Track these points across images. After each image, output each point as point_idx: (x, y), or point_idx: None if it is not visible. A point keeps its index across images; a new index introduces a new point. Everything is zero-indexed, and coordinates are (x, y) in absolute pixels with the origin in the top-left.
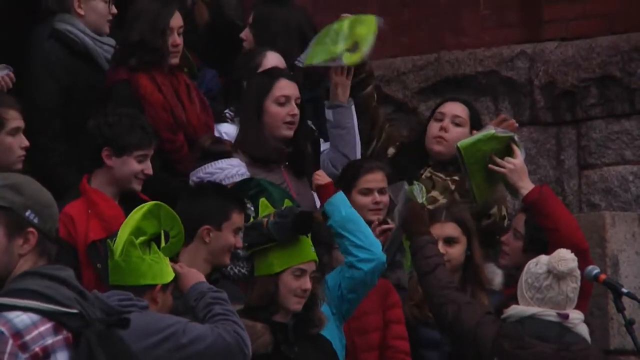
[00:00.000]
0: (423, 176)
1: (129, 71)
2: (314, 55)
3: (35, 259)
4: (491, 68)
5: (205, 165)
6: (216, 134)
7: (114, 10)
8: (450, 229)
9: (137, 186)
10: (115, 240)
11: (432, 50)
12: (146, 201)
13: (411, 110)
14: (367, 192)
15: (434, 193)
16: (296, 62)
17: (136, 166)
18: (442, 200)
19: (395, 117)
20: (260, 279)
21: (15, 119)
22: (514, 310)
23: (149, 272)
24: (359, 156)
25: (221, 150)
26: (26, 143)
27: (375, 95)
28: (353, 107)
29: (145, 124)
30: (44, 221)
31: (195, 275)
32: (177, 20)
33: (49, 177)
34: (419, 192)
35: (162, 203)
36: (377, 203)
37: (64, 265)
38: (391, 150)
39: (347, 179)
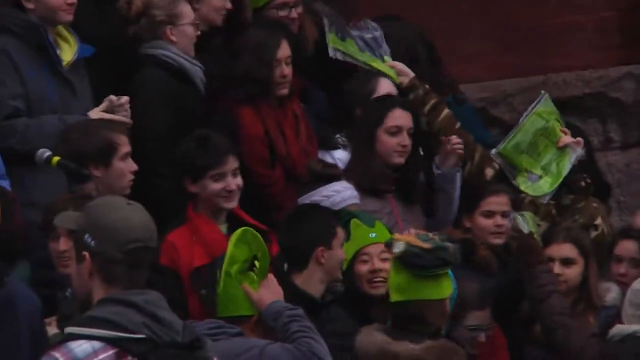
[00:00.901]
0: (525, 201)
1: (234, 102)
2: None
3: (105, 285)
4: (598, 89)
5: (320, 189)
6: (329, 160)
7: (198, 32)
8: (568, 250)
9: (226, 204)
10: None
11: (539, 72)
12: (253, 224)
13: None
14: (490, 214)
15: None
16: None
17: (214, 186)
18: (544, 225)
19: (501, 138)
20: (434, 302)
21: (125, 144)
22: (617, 329)
23: (245, 303)
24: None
25: (332, 173)
26: (135, 167)
27: (455, 119)
28: (458, 175)
29: (211, 143)
30: (102, 245)
31: (270, 295)
32: (284, 51)
33: (159, 203)
34: (524, 223)
35: (248, 228)
36: (498, 226)
37: (147, 290)
38: (490, 172)
39: (470, 200)
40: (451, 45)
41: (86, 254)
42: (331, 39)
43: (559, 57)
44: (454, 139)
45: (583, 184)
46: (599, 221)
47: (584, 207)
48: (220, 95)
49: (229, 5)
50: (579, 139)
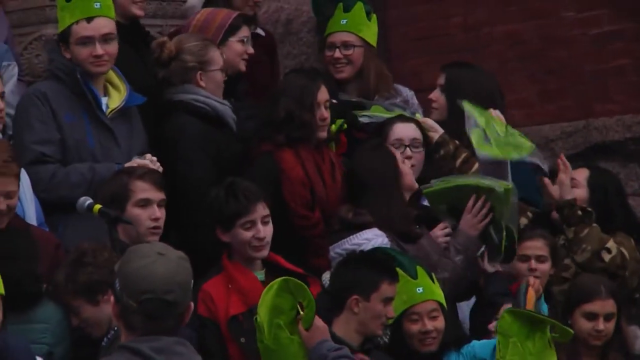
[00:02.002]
0: (559, 243)
1: (274, 146)
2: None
3: (125, 330)
4: (639, 134)
5: (350, 237)
6: None
7: (225, 77)
8: (610, 306)
9: (257, 254)
10: (257, 319)
11: (580, 117)
12: (290, 269)
13: None
14: (525, 258)
15: (567, 261)
16: None
17: (245, 235)
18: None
19: None
20: None
21: (143, 191)
22: None
23: (300, 352)
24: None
25: (363, 221)
26: (157, 214)
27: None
28: None
29: (240, 191)
30: (123, 291)
31: (318, 334)
32: (323, 94)
33: (200, 252)
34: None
35: (289, 277)
36: (532, 270)
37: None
38: (523, 220)
39: None
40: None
41: (112, 297)
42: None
43: (599, 102)
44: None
45: (580, 212)
46: (610, 244)
47: (589, 234)
48: (258, 139)
49: (250, 50)
50: None
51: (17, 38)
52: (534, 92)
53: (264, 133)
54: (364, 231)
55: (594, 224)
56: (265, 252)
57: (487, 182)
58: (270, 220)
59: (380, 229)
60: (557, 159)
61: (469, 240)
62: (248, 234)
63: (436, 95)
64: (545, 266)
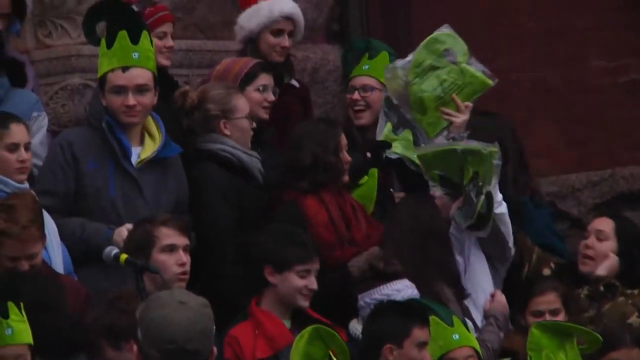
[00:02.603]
0: (582, 295)
1: (297, 192)
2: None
3: None
4: None
5: (380, 287)
6: None
7: (253, 125)
8: (636, 354)
9: (303, 302)
10: None
11: (607, 165)
12: (317, 319)
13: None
14: (539, 314)
15: (591, 312)
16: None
17: (298, 282)
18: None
19: (570, 233)
20: None
21: (168, 237)
22: None
23: None
24: None
25: (394, 271)
26: (183, 260)
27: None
28: None
29: (304, 240)
30: (144, 340)
31: None
32: (344, 139)
33: (222, 299)
34: None
35: (319, 325)
36: None
37: None
38: (546, 271)
39: (518, 300)
40: (519, 140)
41: (135, 345)
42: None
43: (626, 151)
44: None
45: (602, 288)
46: (633, 319)
47: (611, 309)
48: (280, 187)
49: (271, 98)
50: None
51: (43, 88)
52: (560, 140)
53: (286, 181)
54: (394, 282)
55: (620, 298)
56: (307, 303)
57: (473, 146)
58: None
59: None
60: (582, 207)
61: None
62: (301, 282)
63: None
64: (559, 318)
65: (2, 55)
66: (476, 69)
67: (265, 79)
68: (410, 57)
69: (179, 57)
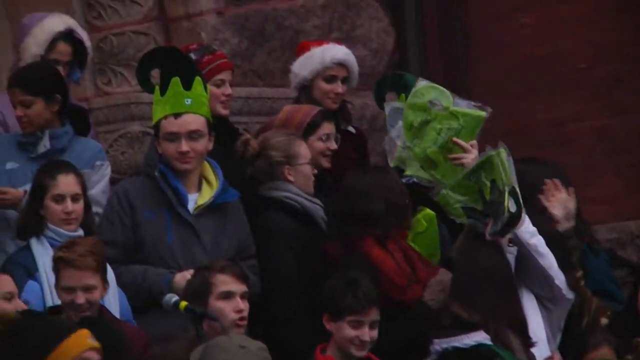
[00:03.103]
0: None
1: (364, 241)
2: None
3: None
4: None
5: (461, 337)
6: None
7: (315, 171)
8: None
9: (356, 352)
10: None
11: None
12: None
13: None
14: None
15: None
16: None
17: (350, 332)
18: None
19: (629, 280)
20: None
21: (225, 283)
22: None
23: None
24: None
25: (475, 322)
26: (241, 306)
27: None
28: None
29: (359, 290)
30: None
31: None
32: None
33: (285, 347)
34: None
35: None
36: None
37: None
38: (604, 321)
39: (573, 355)
40: (578, 187)
41: None
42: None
43: None
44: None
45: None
46: None
47: None
48: (346, 235)
49: (333, 147)
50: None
51: (103, 135)
52: (619, 187)
53: (354, 230)
54: (474, 333)
55: None
56: (363, 353)
57: (481, 157)
58: (377, 326)
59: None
60: None
61: None
62: (353, 332)
63: None
64: None
65: (66, 102)
66: (465, 107)
67: (327, 127)
68: (400, 124)
69: (238, 104)
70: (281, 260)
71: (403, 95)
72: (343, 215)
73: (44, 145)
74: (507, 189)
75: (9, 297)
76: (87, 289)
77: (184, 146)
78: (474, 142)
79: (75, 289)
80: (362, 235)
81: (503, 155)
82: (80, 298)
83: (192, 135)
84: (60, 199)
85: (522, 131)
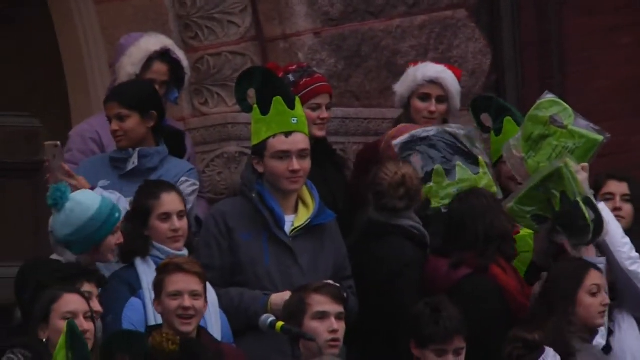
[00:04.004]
0: None
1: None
2: None
3: None
4: None
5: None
6: None
7: None
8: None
9: None
10: None
11: None
12: None
13: None
14: None
15: None
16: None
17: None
18: None
19: None
20: None
21: (320, 304)
22: None
23: None
24: None
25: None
26: (335, 327)
27: None
28: None
29: (443, 319)
30: None
31: None
32: None
33: None
34: None
35: None
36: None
37: None
38: None
39: None
40: None
41: None
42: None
43: None
44: None
45: None
46: None
47: None
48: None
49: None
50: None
51: (200, 155)
52: None
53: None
54: (546, 352)
55: None
56: None
57: (547, 169)
58: (464, 353)
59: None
60: None
61: None
62: None
63: (620, 204)
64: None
65: (162, 120)
66: (584, 128)
67: None
68: (519, 134)
69: (335, 125)
70: (404, 290)
71: (509, 117)
72: (467, 239)
73: (133, 162)
74: (580, 198)
75: (164, 218)
76: (194, 295)
77: (296, 164)
78: (586, 164)
79: (183, 294)
80: (493, 258)
81: (571, 166)
82: (188, 301)
83: (302, 154)
84: (166, 217)
85: (619, 152)
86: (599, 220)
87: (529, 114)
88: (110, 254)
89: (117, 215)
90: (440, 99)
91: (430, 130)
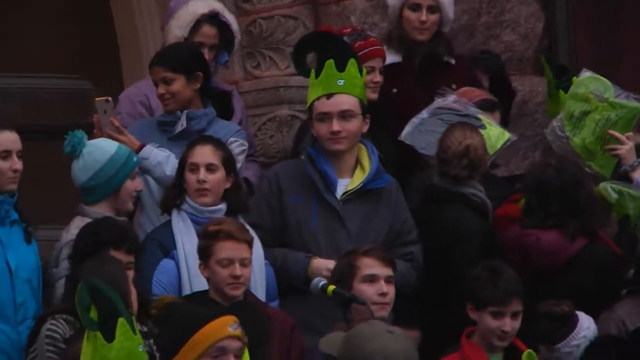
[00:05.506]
0: None
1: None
2: None
3: None
4: None
5: (576, 331)
6: None
7: None
8: None
9: (498, 343)
10: None
11: None
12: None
13: None
14: None
15: None
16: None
17: (492, 322)
18: None
19: None
20: None
21: (370, 267)
22: None
23: None
24: None
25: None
26: (384, 290)
27: None
28: None
29: (501, 281)
30: None
31: None
32: None
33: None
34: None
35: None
36: None
37: None
38: None
39: None
40: None
41: None
42: None
43: None
44: None
45: None
46: None
47: None
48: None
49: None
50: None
51: (252, 119)
52: None
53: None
54: (582, 319)
55: None
56: (504, 344)
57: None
58: (520, 316)
59: None
60: None
61: None
62: (494, 323)
63: None
64: None
65: (209, 86)
66: (623, 98)
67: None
68: (561, 115)
69: None
70: (464, 249)
71: (561, 91)
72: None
73: (181, 124)
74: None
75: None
76: (244, 263)
77: (335, 126)
78: (630, 133)
79: (234, 261)
80: (599, 225)
81: None
82: (239, 270)
83: (344, 115)
84: (194, 168)
85: None
86: None
87: (569, 92)
88: (131, 202)
89: (134, 159)
90: (432, 9)
91: (423, 114)
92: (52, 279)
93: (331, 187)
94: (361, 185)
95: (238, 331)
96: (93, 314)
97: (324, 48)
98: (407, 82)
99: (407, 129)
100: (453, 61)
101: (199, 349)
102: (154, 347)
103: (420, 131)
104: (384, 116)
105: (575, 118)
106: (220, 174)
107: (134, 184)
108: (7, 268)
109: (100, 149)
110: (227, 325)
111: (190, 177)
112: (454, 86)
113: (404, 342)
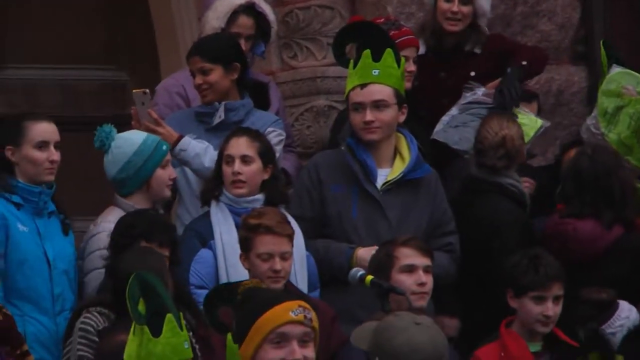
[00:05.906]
0: None
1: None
2: None
3: None
4: None
5: (617, 314)
6: None
7: None
8: None
9: (541, 328)
10: None
11: None
12: (564, 339)
13: None
14: None
15: None
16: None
17: (534, 308)
18: None
19: None
20: None
21: (408, 257)
22: None
23: None
24: None
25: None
26: (423, 280)
27: None
28: None
29: (541, 265)
30: None
31: None
32: None
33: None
34: None
35: None
36: None
37: None
38: None
39: None
40: None
41: None
42: None
43: None
44: None
45: None
46: None
47: None
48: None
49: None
50: None
51: (289, 109)
52: None
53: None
54: (622, 306)
55: None
56: (547, 329)
57: None
58: (561, 301)
59: None
60: None
61: None
62: (537, 309)
63: None
64: None
65: (246, 77)
66: None
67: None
68: (595, 112)
69: None
70: (505, 241)
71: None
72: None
73: (219, 116)
74: None
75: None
76: (284, 256)
77: (369, 115)
78: None
79: (274, 256)
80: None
81: None
82: (279, 264)
83: (377, 104)
84: (230, 160)
85: None
86: None
87: (601, 89)
88: (167, 190)
89: (164, 147)
90: (465, 0)
91: (453, 110)
92: (80, 272)
93: (371, 177)
94: (401, 175)
95: (300, 316)
96: (141, 307)
97: (363, 38)
98: (424, 73)
99: (438, 127)
100: (478, 51)
101: (260, 335)
102: (193, 340)
103: (451, 127)
104: (416, 106)
105: (609, 114)
106: (255, 165)
107: (166, 172)
108: (45, 259)
109: (128, 141)
110: (289, 310)
111: (226, 169)
112: (472, 73)
113: (432, 332)
